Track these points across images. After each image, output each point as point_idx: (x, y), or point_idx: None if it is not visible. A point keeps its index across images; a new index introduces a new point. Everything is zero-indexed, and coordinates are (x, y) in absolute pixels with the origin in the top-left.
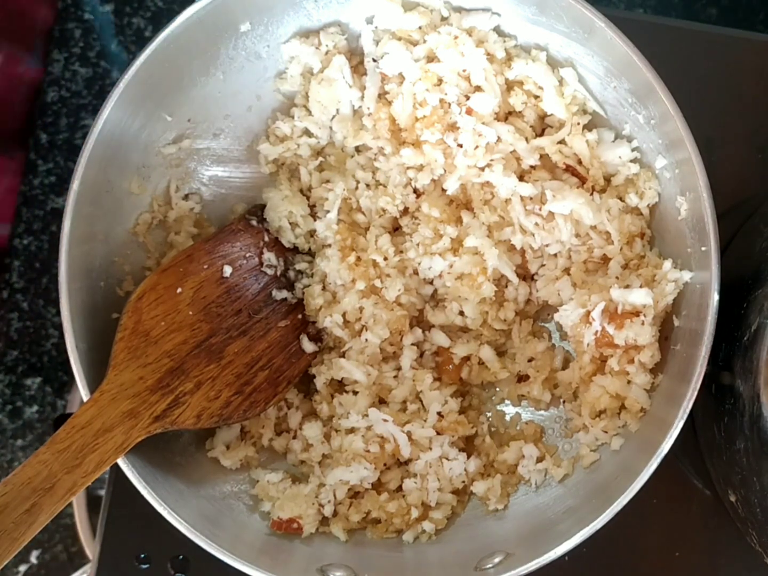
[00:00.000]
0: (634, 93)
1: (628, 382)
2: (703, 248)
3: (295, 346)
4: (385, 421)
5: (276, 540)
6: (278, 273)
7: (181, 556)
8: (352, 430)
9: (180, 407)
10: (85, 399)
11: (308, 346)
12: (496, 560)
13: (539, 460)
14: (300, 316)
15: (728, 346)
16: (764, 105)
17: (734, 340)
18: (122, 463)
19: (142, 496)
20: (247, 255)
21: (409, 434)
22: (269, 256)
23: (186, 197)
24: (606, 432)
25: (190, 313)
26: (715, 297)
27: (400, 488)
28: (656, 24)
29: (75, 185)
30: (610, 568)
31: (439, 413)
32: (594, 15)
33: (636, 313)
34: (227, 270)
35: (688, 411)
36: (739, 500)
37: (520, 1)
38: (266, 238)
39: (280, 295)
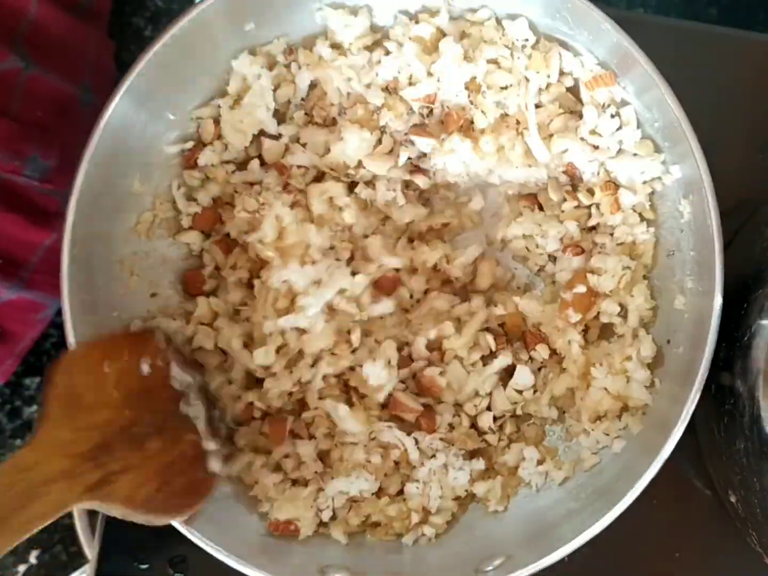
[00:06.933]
0: (638, 94)
1: (627, 381)
2: (706, 249)
3: (203, 465)
4: (390, 428)
5: (275, 541)
6: (185, 389)
7: (180, 556)
8: (353, 442)
9: (110, 485)
10: None
11: (215, 466)
12: (496, 563)
13: (540, 462)
14: None
15: (728, 346)
16: (764, 105)
17: (734, 340)
18: None
19: None
20: (159, 363)
21: (415, 441)
22: (176, 372)
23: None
24: (607, 435)
25: (115, 395)
26: (719, 300)
27: (400, 492)
28: (656, 24)
29: (77, 184)
30: (610, 569)
31: (450, 425)
32: (599, 16)
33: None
34: (144, 368)
35: (690, 414)
36: (739, 501)
37: (524, 2)
38: (173, 357)
39: (185, 409)
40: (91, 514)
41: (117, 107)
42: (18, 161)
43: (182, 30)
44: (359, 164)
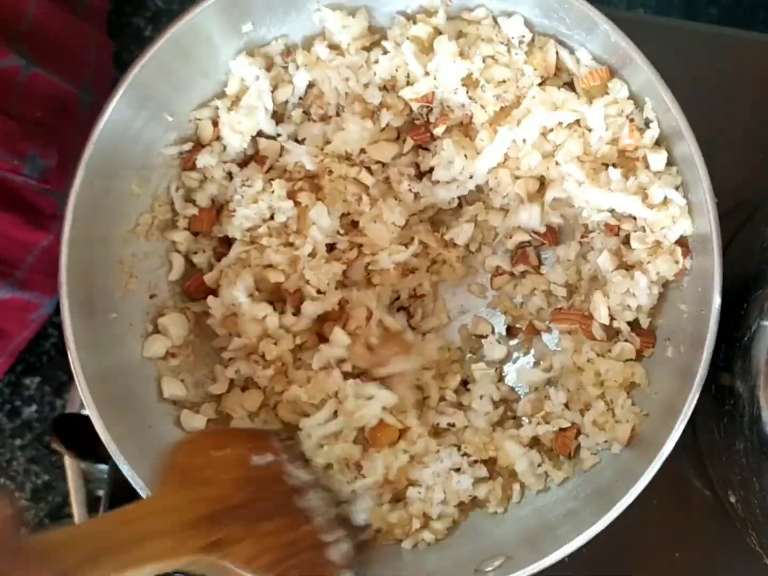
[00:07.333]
0: (636, 94)
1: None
2: (704, 250)
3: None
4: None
5: None
6: (301, 485)
7: None
8: None
9: (228, 546)
10: (84, 399)
11: (335, 555)
12: (496, 563)
13: (539, 464)
14: None
15: (728, 346)
16: (764, 105)
17: (734, 340)
18: (121, 464)
19: (140, 497)
20: (270, 458)
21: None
22: (290, 469)
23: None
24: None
25: (225, 478)
26: (717, 300)
27: (399, 497)
28: (656, 24)
29: (75, 186)
30: (609, 569)
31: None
32: (597, 16)
33: None
34: (255, 461)
35: (689, 414)
36: (739, 501)
37: (522, 2)
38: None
39: (301, 503)
40: (92, 514)
41: (116, 108)
42: (17, 160)
43: (181, 31)
44: (360, 153)
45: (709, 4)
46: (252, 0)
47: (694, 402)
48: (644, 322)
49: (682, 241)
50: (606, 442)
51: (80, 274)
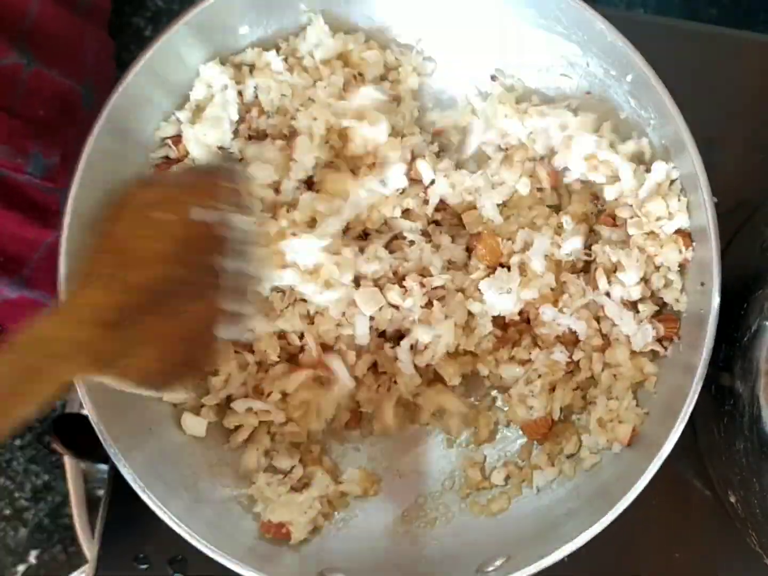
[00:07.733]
0: (634, 94)
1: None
2: (703, 249)
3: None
4: None
5: (275, 542)
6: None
7: (179, 557)
8: None
9: (123, 360)
10: (83, 399)
11: (225, 331)
12: (498, 563)
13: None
14: None
15: (728, 347)
16: (764, 105)
17: (734, 341)
18: (121, 466)
19: (139, 498)
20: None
21: None
22: (237, 223)
23: None
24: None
25: (154, 247)
26: (716, 299)
27: None
28: (656, 24)
29: (75, 185)
30: (609, 569)
31: None
32: (594, 16)
33: None
34: (195, 213)
35: (688, 414)
36: (739, 501)
37: (519, 3)
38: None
39: (221, 263)
40: (91, 514)
41: (114, 110)
42: (20, 158)
43: (179, 32)
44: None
45: (709, 4)
46: (248, 2)
47: (694, 402)
48: (677, 305)
49: (683, 232)
50: (607, 441)
51: None
